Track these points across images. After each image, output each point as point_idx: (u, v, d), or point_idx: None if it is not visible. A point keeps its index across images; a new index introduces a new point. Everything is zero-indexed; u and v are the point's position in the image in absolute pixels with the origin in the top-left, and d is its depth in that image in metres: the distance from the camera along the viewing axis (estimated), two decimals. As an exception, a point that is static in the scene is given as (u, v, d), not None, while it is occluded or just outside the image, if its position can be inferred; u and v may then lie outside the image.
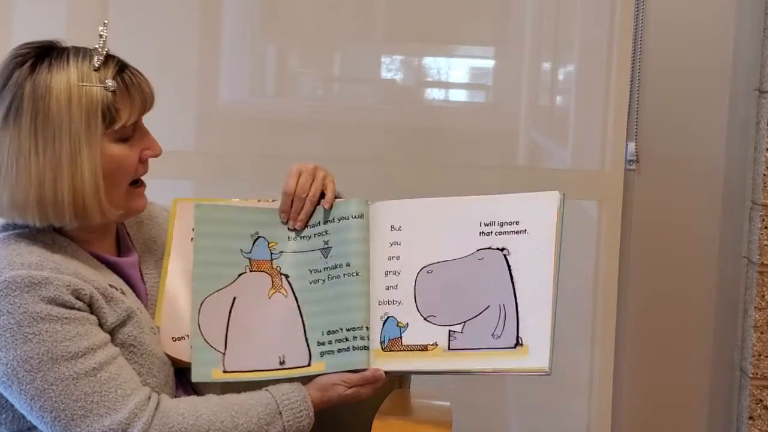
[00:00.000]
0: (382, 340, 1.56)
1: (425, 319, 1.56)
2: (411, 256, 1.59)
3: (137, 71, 1.50)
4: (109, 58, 1.47)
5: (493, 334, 1.53)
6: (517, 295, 1.54)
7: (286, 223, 1.63)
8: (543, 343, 1.50)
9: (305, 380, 1.53)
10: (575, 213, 2.39)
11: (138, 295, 1.56)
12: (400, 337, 1.56)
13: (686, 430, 2.38)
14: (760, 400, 2.26)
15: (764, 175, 2.23)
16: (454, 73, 2.42)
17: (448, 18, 2.35)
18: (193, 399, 1.49)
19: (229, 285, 1.60)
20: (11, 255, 1.42)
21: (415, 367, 1.55)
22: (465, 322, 1.55)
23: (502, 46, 2.41)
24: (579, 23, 2.34)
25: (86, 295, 1.42)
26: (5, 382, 1.38)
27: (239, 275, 1.61)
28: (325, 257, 1.60)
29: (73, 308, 1.40)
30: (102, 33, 1.47)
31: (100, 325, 1.44)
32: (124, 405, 1.39)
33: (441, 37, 2.39)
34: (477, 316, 1.55)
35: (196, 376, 1.54)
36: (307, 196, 1.61)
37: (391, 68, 2.39)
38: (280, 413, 1.47)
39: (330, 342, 1.56)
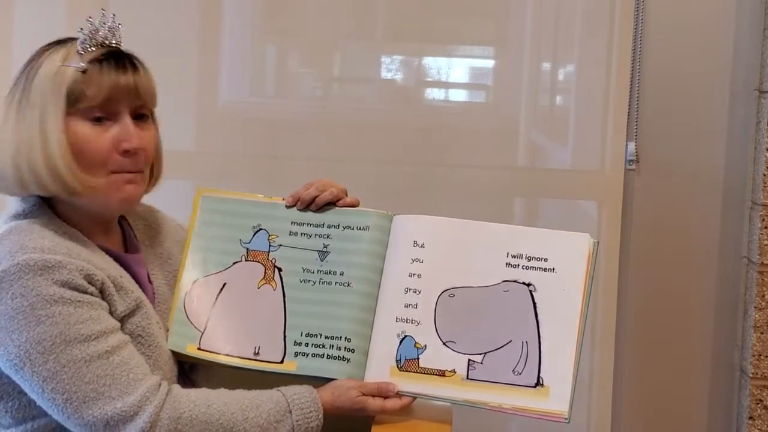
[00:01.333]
0: (398, 358, 1.55)
1: (444, 343, 1.55)
2: (433, 277, 1.58)
3: (132, 64, 1.51)
4: (104, 47, 1.50)
5: (514, 370, 1.52)
6: (540, 334, 1.52)
7: (292, 206, 1.64)
8: (565, 387, 1.49)
9: (318, 383, 1.53)
10: (575, 213, 2.39)
11: (145, 294, 1.57)
12: (417, 359, 1.55)
13: (686, 430, 2.38)
14: (760, 400, 2.26)
15: (764, 175, 2.23)
16: (454, 73, 2.42)
17: (448, 18, 2.35)
18: (204, 390, 1.50)
19: (222, 271, 1.62)
20: (24, 239, 1.43)
21: (431, 392, 1.54)
22: (486, 353, 1.53)
23: (502, 46, 2.41)
24: (579, 23, 2.34)
25: (98, 280, 1.44)
26: (17, 364, 1.39)
27: (234, 263, 1.63)
28: (321, 260, 1.61)
29: (85, 292, 1.42)
30: (90, 18, 1.51)
31: (111, 313, 1.46)
32: (135, 389, 1.40)
33: (441, 37, 2.39)
34: (498, 348, 1.53)
35: (171, 345, 1.56)
36: (327, 191, 1.64)
37: (391, 68, 2.39)
38: (290, 411, 1.47)
39: (306, 345, 1.56)
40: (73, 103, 1.47)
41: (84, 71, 1.47)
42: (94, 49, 1.49)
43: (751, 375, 2.25)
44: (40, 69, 1.48)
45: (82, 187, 1.48)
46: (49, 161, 1.46)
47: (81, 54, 1.49)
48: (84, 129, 1.48)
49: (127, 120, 1.52)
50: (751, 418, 2.27)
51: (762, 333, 2.25)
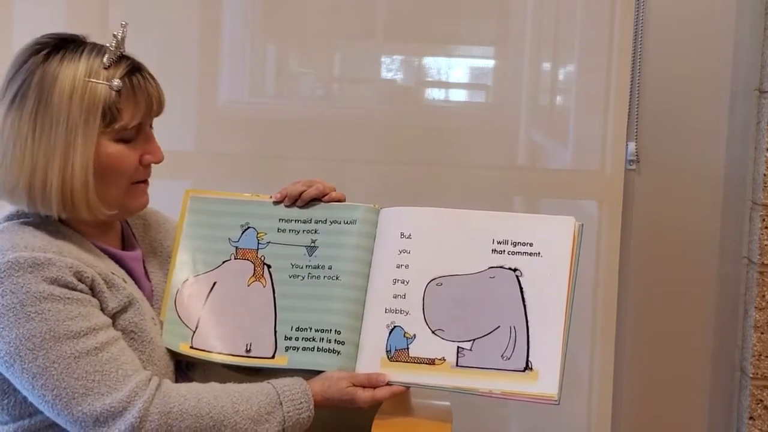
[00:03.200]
0: (389, 349, 1.56)
1: (433, 332, 1.55)
2: (420, 266, 1.58)
3: (150, 75, 1.52)
4: (123, 58, 1.49)
5: (502, 355, 1.52)
6: (528, 319, 1.53)
7: (280, 203, 1.65)
8: (553, 370, 1.49)
9: (308, 376, 1.53)
10: (575, 213, 2.38)
11: (141, 290, 1.57)
12: (407, 348, 1.56)
13: (686, 430, 2.38)
14: (761, 400, 2.26)
15: (764, 175, 2.23)
16: (454, 73, 2.42)
17: (448, 18, 2.35)
18: (195, 384, 1.50)
19: (212, 270, 1.63)
20: (15, 238, 1.44)
21: (422, 380, 1.54)
22: (474, 339, 1.54)
23: (502, 46, 2.41)
24: (579, 23, 2.34)
25: (88, 277, 1.44)
26: (7, 361, 1.40)
27: (223, 262, 1.64)
28: (310, 255, 1.62)
29: (75, 289, 1.42)
30: (116, 33, 1.49)
31: (102, 309, 1.46)
32: (124, 384, 1.40)
33: (441, 37, 2.39)
34: (487, 335, 1.54)
35: (164, 343, 1.56)
36: (314, 186, 1.64)
37: (391, 68, 2.39)
38: (281, 403, 1.47)
39: (297, 339, 1.57)
40: (108, 123, 1.47)
41: (119, 90, 1.46)
42: (118, 61, 1.48)
43: (751, 375, 2.26)
44: (56, 82, 1.44)
45: (88, 215, 1.48)
46: (64, 185, 1.45)
47: (107, 69, 1.47)
48: (113, 148, 1.48)
49: (151, 133, 1.53)
50: (751, 418, 2.27)
51: (762, 333, 2.25)
